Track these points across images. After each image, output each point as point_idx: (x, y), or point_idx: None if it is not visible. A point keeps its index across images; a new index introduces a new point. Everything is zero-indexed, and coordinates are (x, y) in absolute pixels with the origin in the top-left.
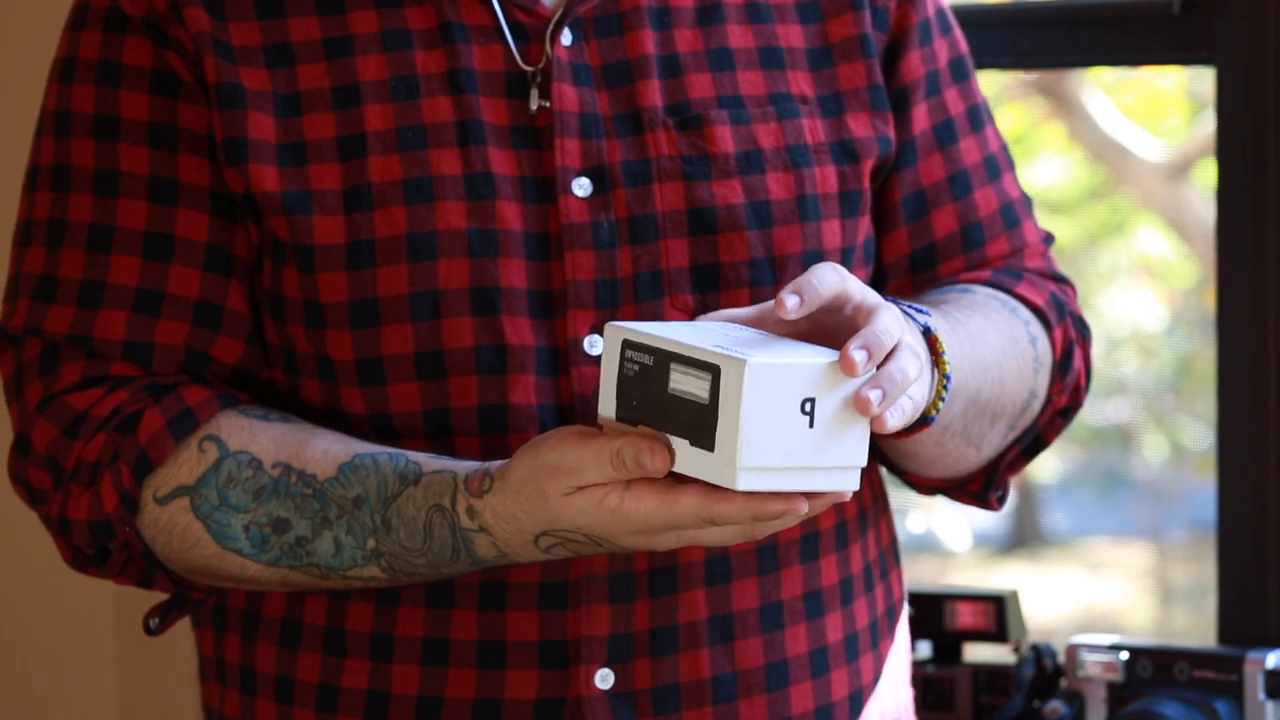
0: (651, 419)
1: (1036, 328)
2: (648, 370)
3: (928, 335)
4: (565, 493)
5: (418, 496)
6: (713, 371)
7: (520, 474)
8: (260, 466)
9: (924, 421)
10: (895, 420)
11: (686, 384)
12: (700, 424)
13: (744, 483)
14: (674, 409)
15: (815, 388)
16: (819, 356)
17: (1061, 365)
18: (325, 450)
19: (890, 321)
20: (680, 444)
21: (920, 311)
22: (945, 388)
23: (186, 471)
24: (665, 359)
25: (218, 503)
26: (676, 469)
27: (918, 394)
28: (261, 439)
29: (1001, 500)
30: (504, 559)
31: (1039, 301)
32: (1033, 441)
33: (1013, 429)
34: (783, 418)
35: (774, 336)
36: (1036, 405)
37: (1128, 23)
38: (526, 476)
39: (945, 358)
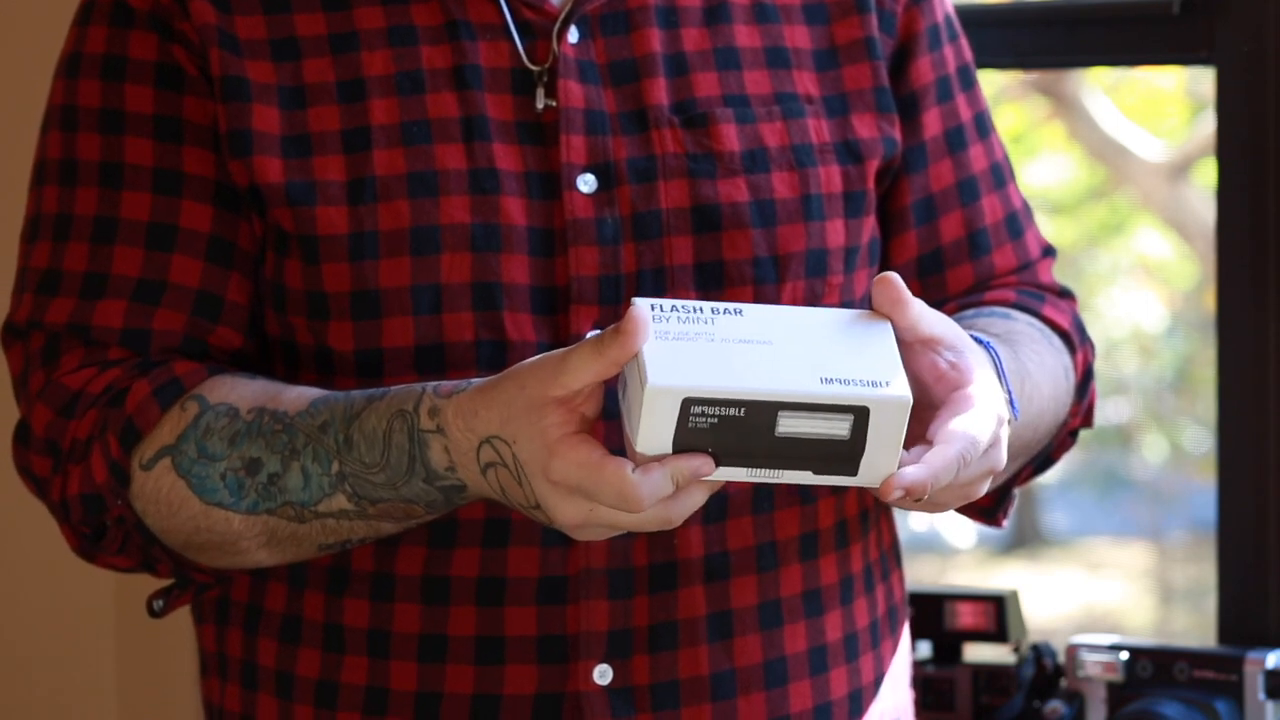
0: (750, 462)
1: (1067, 357)
2: (733, 421)
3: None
4: (544, 390)
5: (382, 407)
6: (855, 413)
7: (509, 371)
8: (237, 414)
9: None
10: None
11: (810, 426)
12: (836, 457)
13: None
14: (790, 449)
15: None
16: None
17: (1080, 387)
18: (302, 392)
19: (968, 446)
20: (795, 475)
21: (1012, 405)
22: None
23: (168, 431)
24: (767, 411)
25: (196, 455)
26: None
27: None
28: (242, 390)
29: (1006, 515)
30: (451, 474)
31: (1064, 325)
32: (1044, 460)
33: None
34: None
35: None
36: (1058, 431)
37: (1128, 23)
38: (514, 370)
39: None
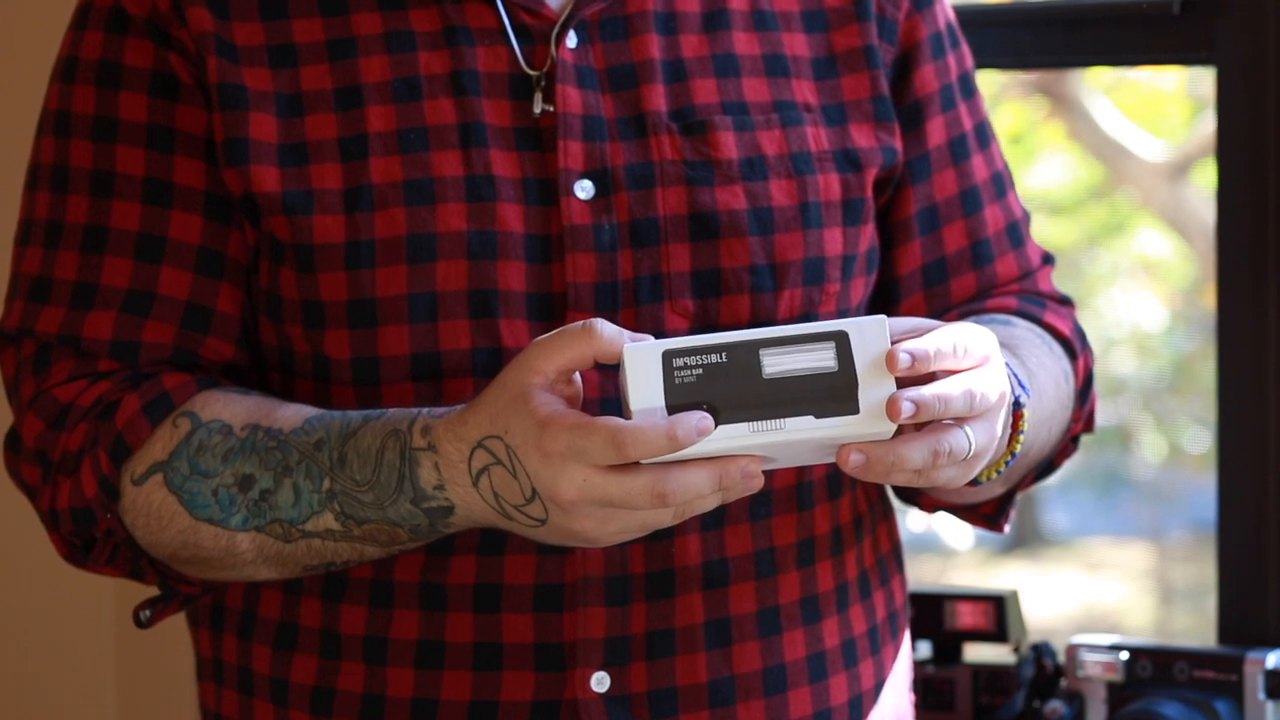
0: (743, 413)
1: (1067, 362)
2: (719, 368)
3: (1016, 408)
4: (523, 378)
5: (377, 427)
6: (835, 339)
7: (495, 380)
8: (230, 431)
9: (972, 482)
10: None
11: (795, 361)
12: (832, 393)
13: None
14: (784, 391)
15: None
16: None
17: (1082, 393)
18: (297, 410)
19: (975, 383)
20: (799, 423)
21: (1021, 385)
22: (1006, 463)
23: (160, 448)
24: (748, 349)
25: (189, 472)
26: (800, 451)
27: (952, 472)
28: (235, 407)
29: (1009, 521)
30: (439, 494)
31: (1065, 331)
32: (1046, 466)
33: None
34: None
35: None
36: (1062, 436)
37: (1128, 23)
38: (498, 379)
39: (1020, 438)
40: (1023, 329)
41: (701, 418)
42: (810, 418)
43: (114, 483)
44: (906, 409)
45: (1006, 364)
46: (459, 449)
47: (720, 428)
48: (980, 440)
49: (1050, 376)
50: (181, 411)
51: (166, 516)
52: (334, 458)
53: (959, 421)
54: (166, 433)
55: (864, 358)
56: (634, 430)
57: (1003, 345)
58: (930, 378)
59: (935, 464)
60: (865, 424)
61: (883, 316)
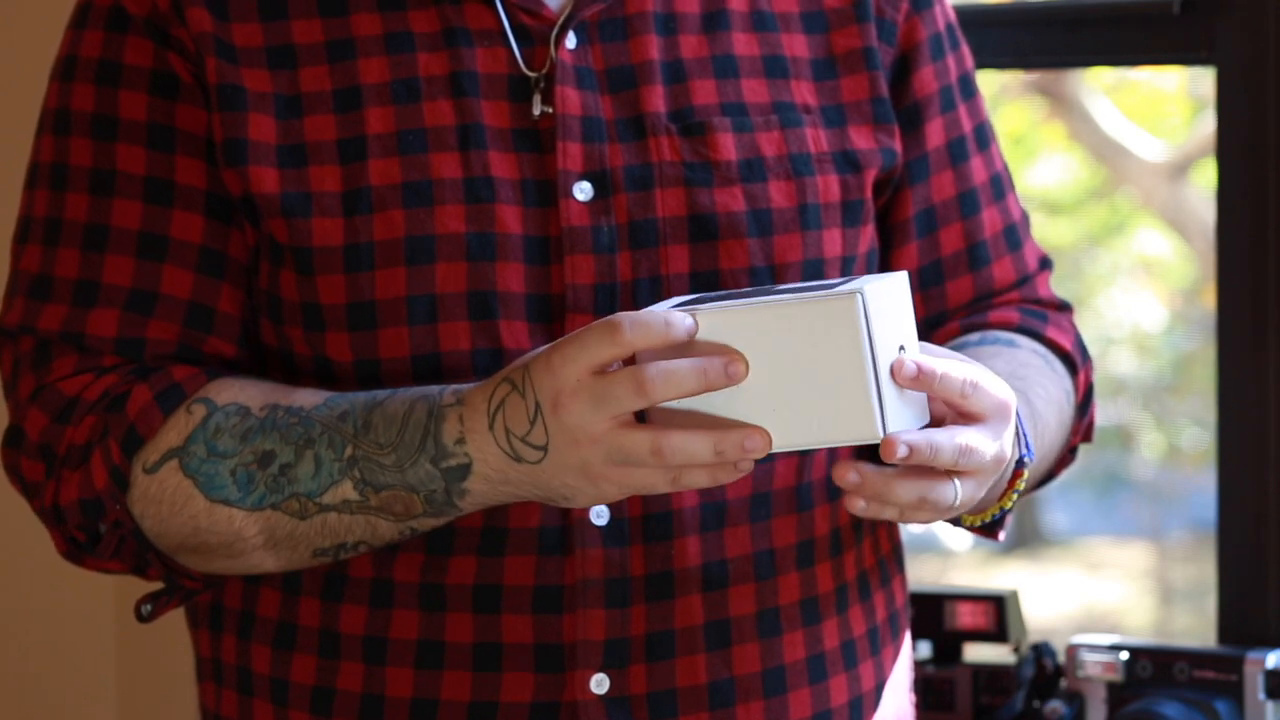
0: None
1: (1069, 380)
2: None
3: (1018, 466)
4: (570, 360)
5: (407, 394)
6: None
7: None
8: (249, 412)
9: (955, 522)
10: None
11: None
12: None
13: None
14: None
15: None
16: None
17: (1081, 406)
18: (315, 391)
19: (979, 443)
20: (778, 298)
21: (1027, 444)
22: (994, 516)
23: (175, 435)
24: (756, 295)
25: (206, 455)
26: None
27: (925, 517)
28: (250, 390)
29: (1004, 529)
30: (460, 448)
31: (1067, 346)
32: (1044, 478)
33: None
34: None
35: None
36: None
37: (1128, 23)
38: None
39: (1014, 495)
40: (1026, 352)
41: (685, 317)
42: (789, 294)
43: (125, 473)
44: (901, 450)
45: (1019, 420)
46: (485, 391)
47: (704, 307)
48: (964, 496)
49: (1054, 406)
50: (196, 398)
51: (180, 501)
52: (358, 424)
53: (951, 474)
54: (181, 420)
55: (878, 310)
56: (631, 316)
57: (1010, 378)
58: (936, 411)
59: (919, 507)
60: (845, 313)
61: (904, 272)
